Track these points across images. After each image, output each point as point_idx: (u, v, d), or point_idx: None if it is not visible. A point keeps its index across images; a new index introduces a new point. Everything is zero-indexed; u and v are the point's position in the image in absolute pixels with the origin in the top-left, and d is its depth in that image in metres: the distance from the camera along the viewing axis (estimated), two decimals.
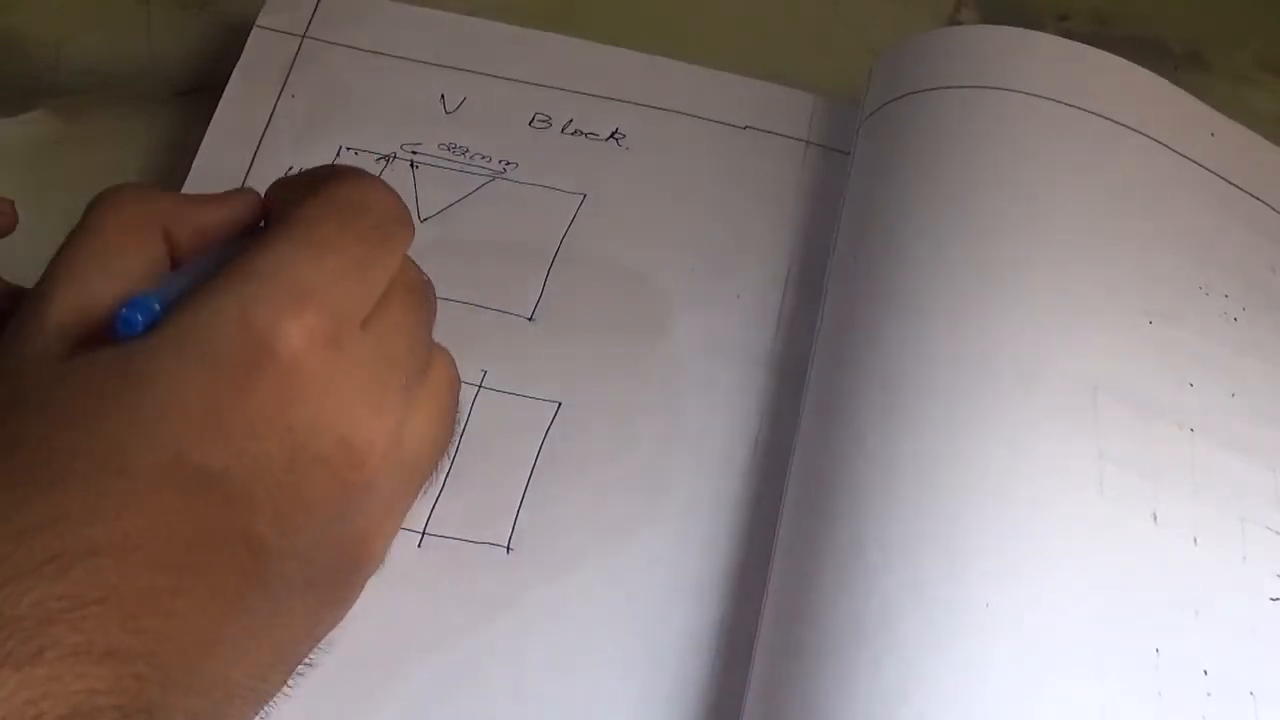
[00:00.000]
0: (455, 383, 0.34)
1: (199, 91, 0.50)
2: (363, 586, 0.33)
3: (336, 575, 0.31)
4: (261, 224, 0.34)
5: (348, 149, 0.48)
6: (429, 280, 0.34)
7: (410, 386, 0.31)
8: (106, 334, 0.28)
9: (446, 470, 0.40)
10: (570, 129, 0.50)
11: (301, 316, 0.28)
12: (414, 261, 0.33)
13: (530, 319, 0.45)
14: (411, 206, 0.46)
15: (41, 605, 0.25)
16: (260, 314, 0.28)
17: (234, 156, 0.47)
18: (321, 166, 0.34)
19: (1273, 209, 0.47)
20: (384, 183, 0.33)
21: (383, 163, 0.48)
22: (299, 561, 0.29)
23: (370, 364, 0.30)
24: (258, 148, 0.47)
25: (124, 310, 0.28)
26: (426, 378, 0.32)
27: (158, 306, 0.28)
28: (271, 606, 0.29)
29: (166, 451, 0.27)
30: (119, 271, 0.30)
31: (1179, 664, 0.36)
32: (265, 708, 0.30)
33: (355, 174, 0.32)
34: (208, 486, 0.27)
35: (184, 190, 0.46)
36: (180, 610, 0.27)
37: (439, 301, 0.44)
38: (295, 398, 0.28)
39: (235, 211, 0.33)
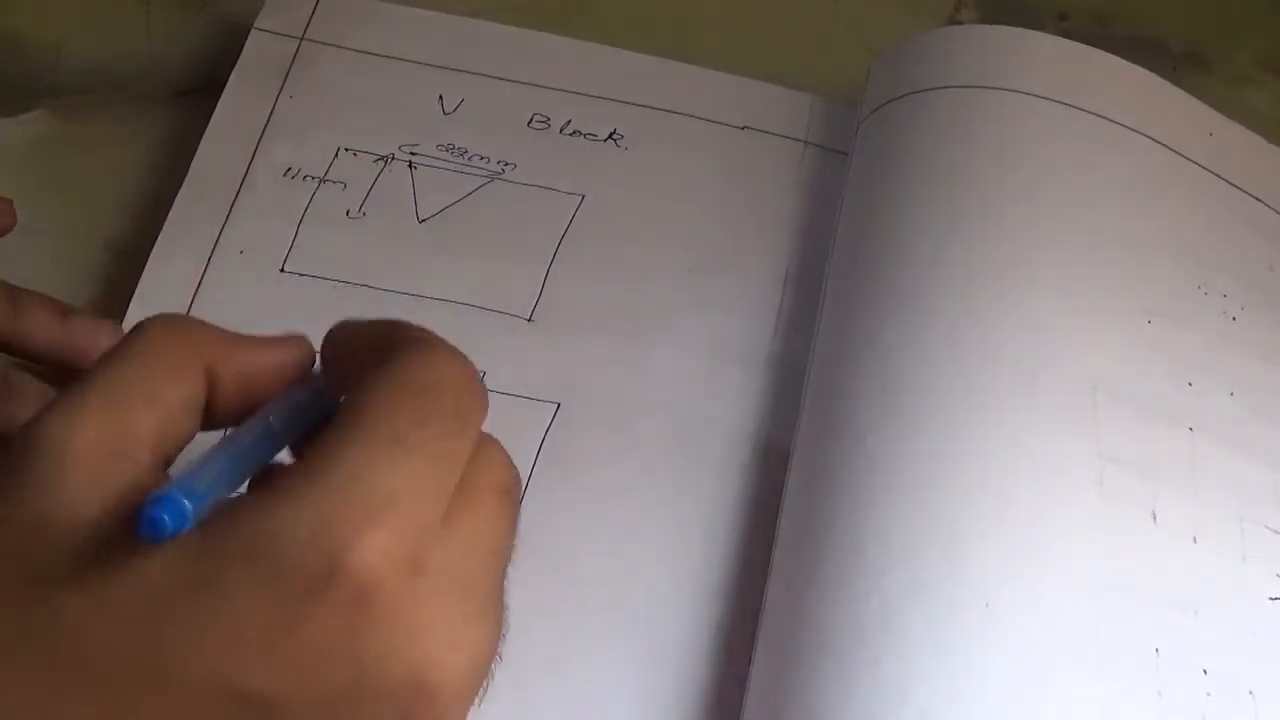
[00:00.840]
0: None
1: (199, 92, 0.50)
2: None
3: None
4: (308, 373, 0.31)
5: (346, 150, 0.48)
6: (518, 475, 0.30)
7: (487, 609, 0.28)
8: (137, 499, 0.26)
9: None
10: (569, 129, 0.50)
11: (378, 534, 0.25)
12: (501, 448, 0.30)
13: (529, 319, 0.45)
14: (410, 208, 0.47)
15: None
16: (334, 530, 0.25)
17: (232, 157, 0.47)
18: (379, 324, 0.30)
19: (1271, 209, 0.47)
20: (451, 350, 0.29)
21: (381, 164, 0.48)
22: None
23: (450, 588, 0.27)
24: (256, 149, 0.47)
25: (149, 510, 0.25)
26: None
27: (189, 508, 0.25)
28: None
29: (219, 675, 0.25)
30: (160, 402, 0.27)
31: (1179, 664, 0.36)
32: None
33: (421, 346, 0.29)
34: (259, 715, 0.25)
35: (182, 190, 0.46)
36: None
37: (438, 302, 0.45)
38: (365, 624, 0.25)
39: (284, 361, 0.30)
